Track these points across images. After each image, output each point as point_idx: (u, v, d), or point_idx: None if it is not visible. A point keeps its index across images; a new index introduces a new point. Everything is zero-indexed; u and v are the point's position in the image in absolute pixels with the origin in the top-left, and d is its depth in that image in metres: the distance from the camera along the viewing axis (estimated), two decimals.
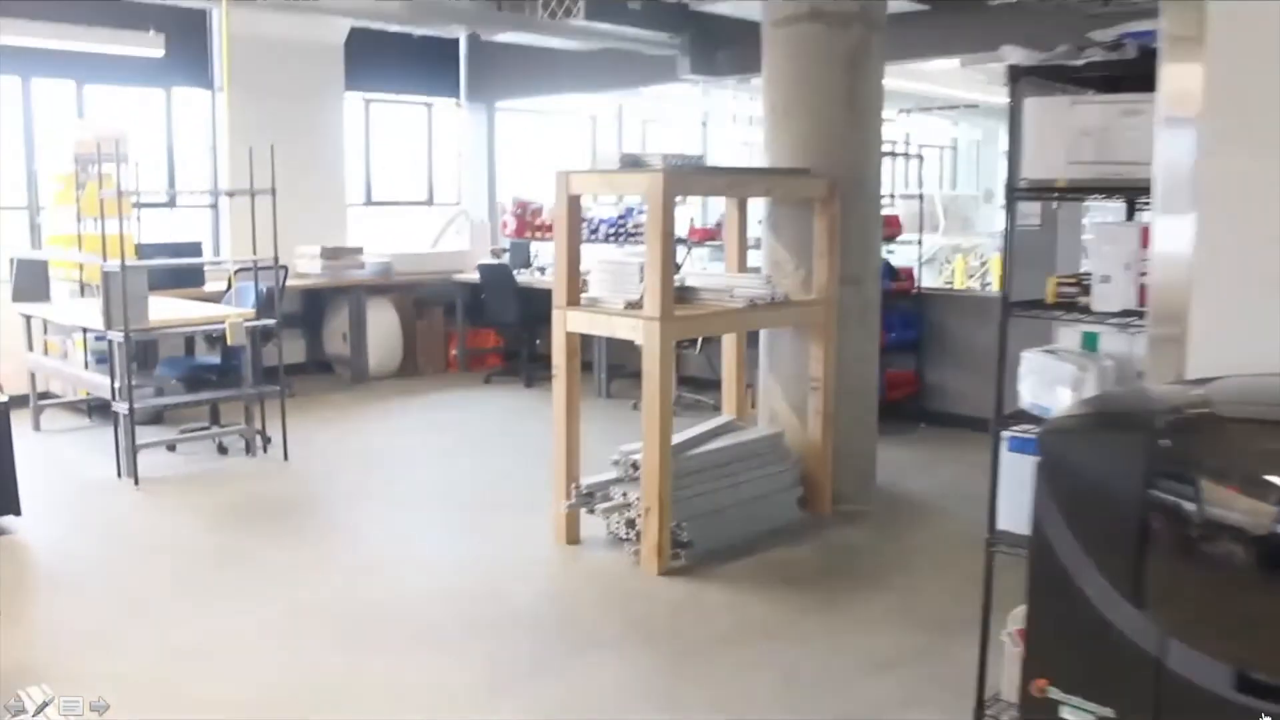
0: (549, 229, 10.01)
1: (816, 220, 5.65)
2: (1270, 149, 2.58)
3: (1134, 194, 3.31)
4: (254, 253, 6.84)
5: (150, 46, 8.29)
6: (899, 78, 9.60)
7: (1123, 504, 2.06)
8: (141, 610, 4.55)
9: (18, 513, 5.44)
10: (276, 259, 6.89)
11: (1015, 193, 3.31)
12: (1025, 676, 2.32)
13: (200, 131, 9.50)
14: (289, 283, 8.28)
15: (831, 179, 5.60)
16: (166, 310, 6.90)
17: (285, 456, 6.85)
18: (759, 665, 4.08)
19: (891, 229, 7.85)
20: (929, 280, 9.96)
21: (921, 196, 8.68)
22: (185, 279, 8.18)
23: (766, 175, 5.64)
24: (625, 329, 4.96)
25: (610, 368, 9.03)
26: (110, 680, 3.65)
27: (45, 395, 7.83)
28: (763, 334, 6.02)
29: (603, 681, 3.96)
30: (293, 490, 6.42)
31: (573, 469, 5.26)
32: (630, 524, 5.04)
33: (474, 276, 9.89)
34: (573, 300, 5.15)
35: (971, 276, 13.59)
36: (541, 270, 9.86)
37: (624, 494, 5.10)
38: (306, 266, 9.30)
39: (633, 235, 9.75)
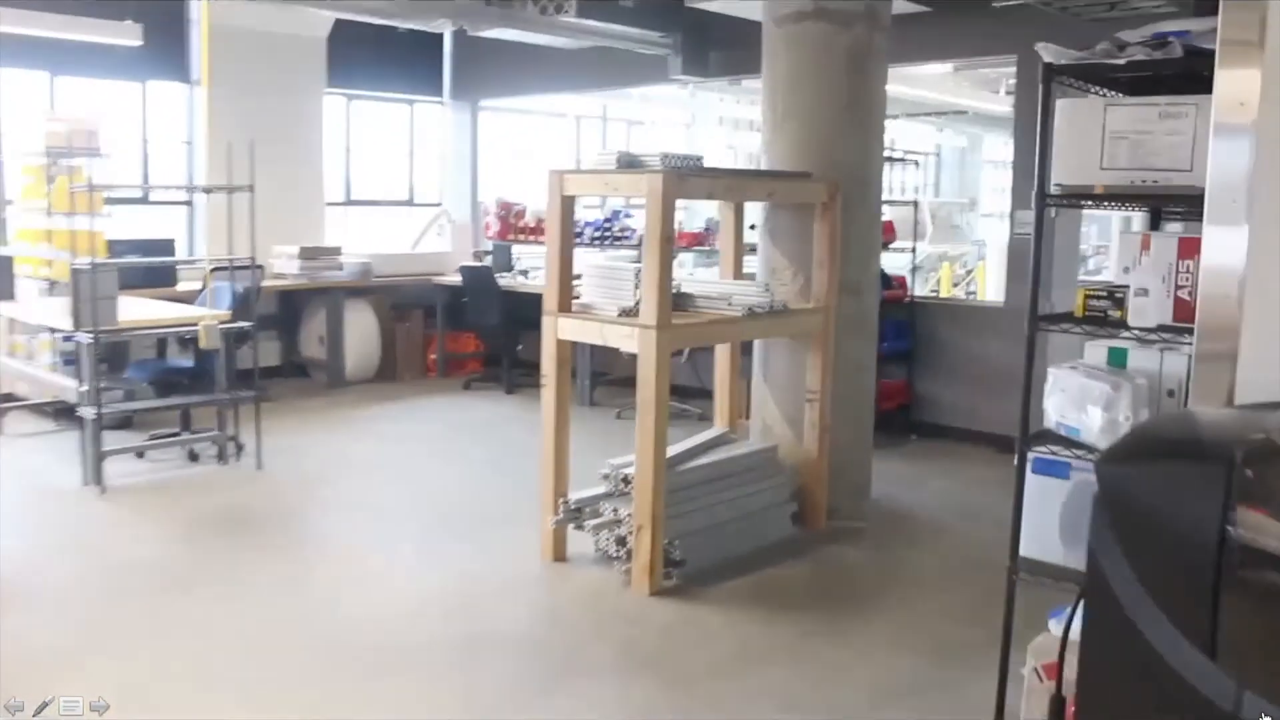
0: (533, 231, 9.81)
1: (817, 226, 5.45)
2: None
3: (1178, 202, 3.10)
4: (230, 252, 6.60)
5: (127, 36, 8.02)
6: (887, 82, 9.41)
7: (1195, 542, 1.85)
8: (100, 630, 4.28)
9: None
10: (254, 258, 6.65)
11: (1046, 199, 3.11)
12: None
13: (177, 126, 9.23)
14: (264, 283, 8.03)
15: (833, 183, 5.40)
16: (137, 311, 6.63)
17: (259, 465, 6.59)
18: (759, 695, 3.87)
19: (887, 236, 7.65)
20: (917, 288, 9.79)
21: (916, 203, 8.49)
22: (158, 278, 7.91)
23: (768, 178, 5.44)
24: (619, 338, 4.74)
25: (593, 374, 8.81)
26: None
27: (9, 398, 7.54)
28: (756, 343, 5.82)
29: (592, 712, 3.74)
30: (266, 501, 6.16)
31: (561, 483, 5.03)
32: (621, 541, 4.82)
33: (455, 279, 9.65)
34: (564, 307, 4.93)
35: (957, 285, 13.44)
36: (525, 274, 9.64)
37: (614, 510, 4.88)
38: (283, 267, 9.04)
39: (619, 239, 9.55)
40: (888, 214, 8.25)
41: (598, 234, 9.40)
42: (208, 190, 7.10)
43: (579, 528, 5.01)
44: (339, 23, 9.41)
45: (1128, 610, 1.96)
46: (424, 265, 10.03)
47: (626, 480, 4.92)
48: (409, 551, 5.31)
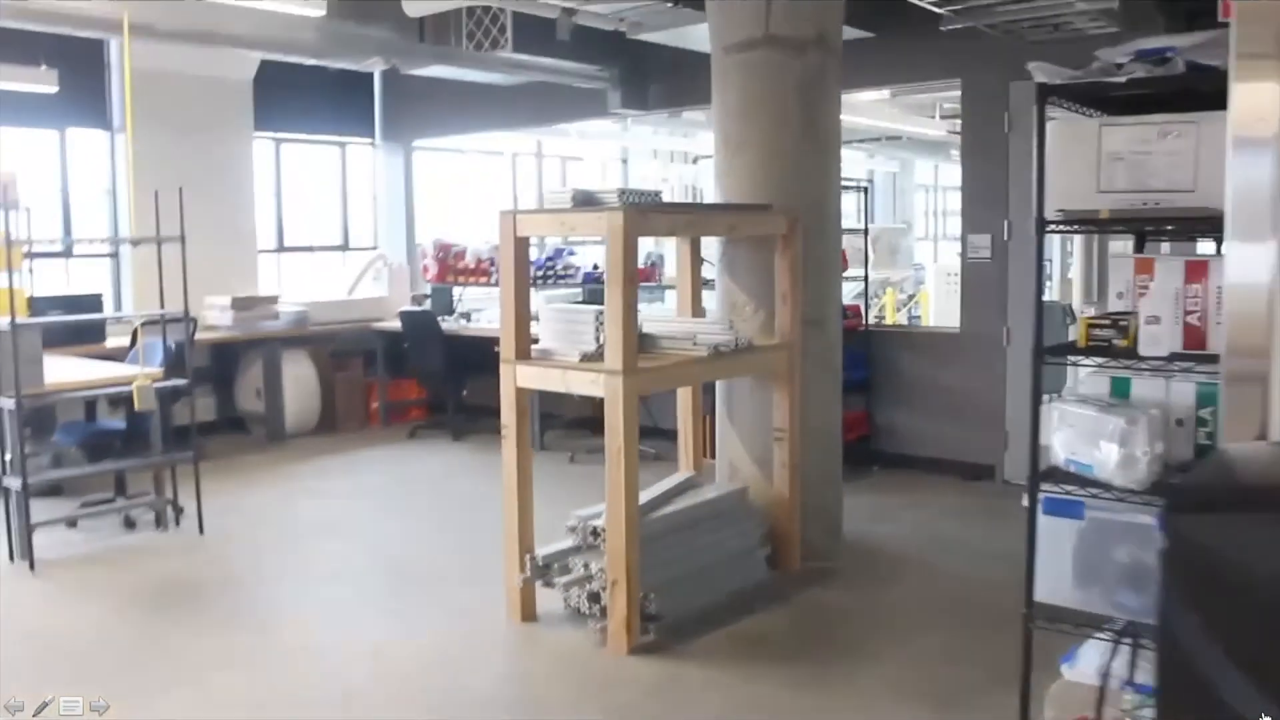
0: (473, 273, 9.57)
1: (778, 259, 5.28)
2: None
3: (1183, 224, 2.96)
4: (160, 305, 6.28)
5: (42, 82, 7.67)
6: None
7: None
8: None
9: None
10: (187, 311, 6.34)
11: (1045, 225, 2.95)
12: None
13: (98, 175, 8.87)
14: (197, 336, 7.69)
15: (793, 214, 5.24)
16: (65, 371, 6.26)
17: (200, 529, 6.25)
18: None
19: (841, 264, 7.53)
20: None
21: (867, 230, 8.38)
22: (84, 335, 7.54)
23: (729, 211, 5.26)
24: (583, 384, 4.52)
25: (543, 416, 8.56)
26: None
27: None
28: (720, 381, 5.62)
29: None
30: (211, 569, 5.82)
31: (526, 538, 4.78)
32: (594, 597, 4.58)
33: (394, 324, 9.37)
34: (522, 353, 4.70)
35: (900, 309, 13.41)
36: (467, 316, 9.38)
37: (585, 565, 4.64)
38: (216, 318, 8.70)
39: (562, 278, 9.34)
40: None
41: (539, 273, 9.17)
42: (136, 242, 6.75)
43: (548, 585, 4.76)
44: (265, 64, 9.14)
45: (1205, 673, 1.78)
46: (362, 311, 9.72)
47: (595, 533, 4.69)
48: (367, 619, 5.01)
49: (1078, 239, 10.42)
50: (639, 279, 8.59)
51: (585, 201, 4.55)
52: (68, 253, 8.75)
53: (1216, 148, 2.68)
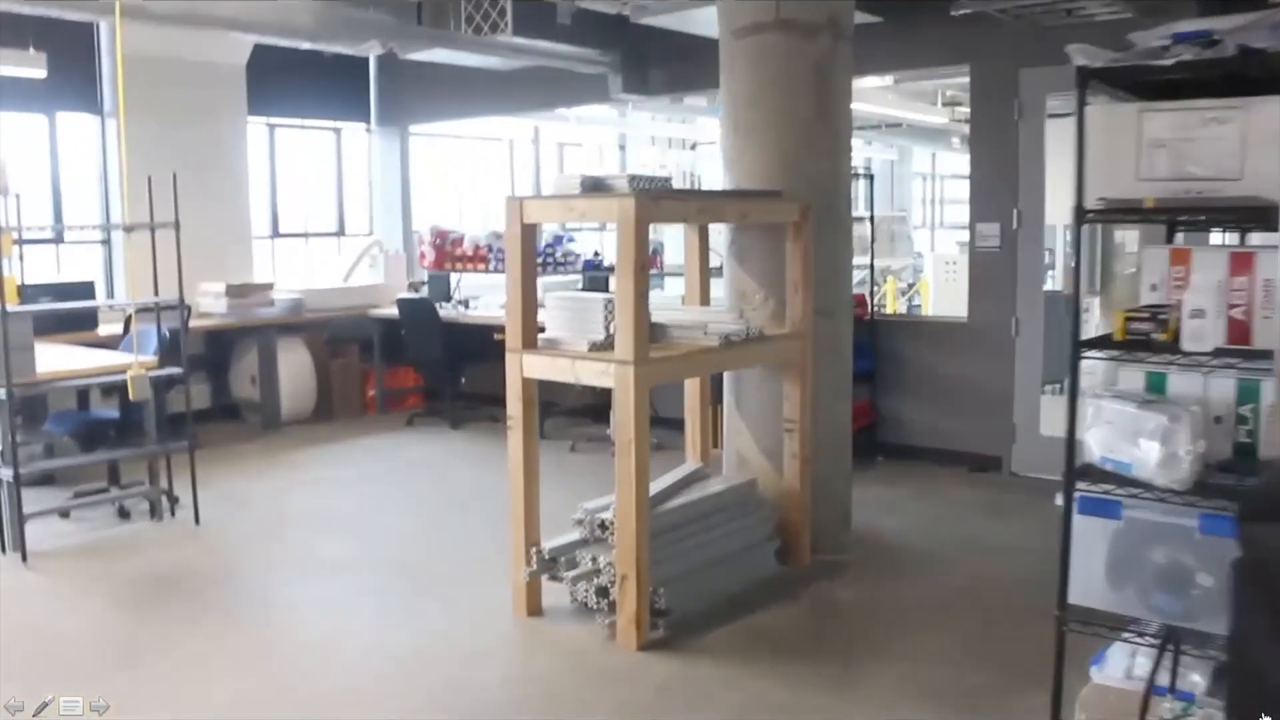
0: (471, 259, 9.44)
1: (789, 246, 5.16)
2: None
3: (1230, 214, 2.85)
4: (155, 292, 6.14)
5: (30, 66, 7.51)
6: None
7: None
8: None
9: None
10: (182, 299, 6.21)
11: (1085, 215, 2.84)
12: None
13: (89, 160, 8.72)
14: (192, 323, 7.56)
15: (805, 201, 5.12)
16: (56, 360, 6.13)
17: (196, 520, 6.13)
18: None
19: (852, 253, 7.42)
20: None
21: (872, 218, 8.27)
22: (76, 323, 7.40)
23: (742, 198, 5.14)
24: (592, 374, 4.40)
25: (543, 404, 8.42)
26: None
27: None
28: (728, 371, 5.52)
29: None
30: (206, 560, 5.70)
31: (532, 531, 4.67)
32: (602, 592, 4.47)
33: (390, 312, 9.24)
34: (529, 343, 4.58)
35: (900, 298, 13.31)
36: (465, 304, 9.25)
37: (593, 559, 4.53)
38: (210, 305, 8.57)
39: (561, 265, 9.22)
40: None
41: (538, 260, 9.01)
42: (129, 228, 6.61)
43: (555, 579, 4.65)
44: (258, 48, 8.98)
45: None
46: (358, 299, 9.58)
47: (603, 525, 4.59)
48: (368, 612, 4.91)
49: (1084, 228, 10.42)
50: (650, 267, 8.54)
51: (595, 187, 4.43)
52: (59, 239, 8.61)
53: (1266, 134, 2.57)
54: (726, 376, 5.57)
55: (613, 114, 12.30)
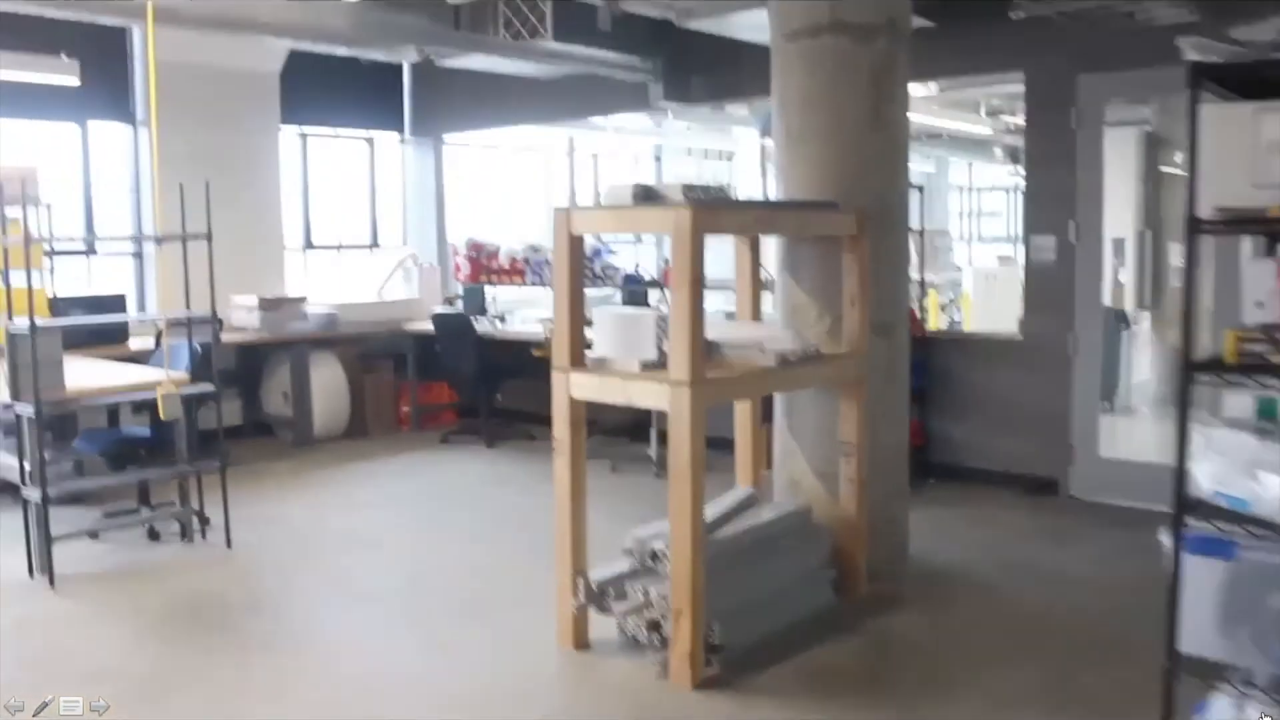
0: (508, 273, 9.27)
1: (845, 260, 4.93)
2: None
3: None
4: (186, 305, 5.96)
5: (64, 73, 7.37)
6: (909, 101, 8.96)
7: None
8: None
9: None
10: (214, 312, 6.03)
11: (1199, 226, 2.59)
12: None
13: (122, 170, 8.58)
14: (223, 337, 7.39)
15: (863, 213, 4.89)
16: (86, 375, 5.95)
17: (228, 543, 5.93)
18: None
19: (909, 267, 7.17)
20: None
21: (922, 232, 8.01)
22: (107, 336, 7.24)
23: (798, 210, 4.91)
24: (645, 395, 4.18)
25: None
26: None
27: None
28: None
29: None
30: (238, 586, 5.50)
31: (579, 560, 4.44)
32: (654, 626, 4.24)
33: (425, 326, 9.05)
34: (576, 361, 4.36)
35: (942, 311, 13.01)
36: (501, 318, 9.05)
37: (644, 591, 4.30)
38: (243, 319, 8.41)
39: (600, 279, 9.00)
40: None
41: None
42: (160, 240, 6.45)
43: (603, 610, 4.42)
44: (292, 56, 8.84)
45: None
46: (392, 313, 9.40)
47: (655, 556, 4.35)
48: (407, 644, 4.69)
49: (1130, 239, 10.12)
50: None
51: (647, 197, 4.21)
52: (90, 251, 8.47)
53: None
54: (778, 396, 5.33)
55: (649, 124, 12.10)
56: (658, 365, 4.21)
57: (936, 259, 13.38)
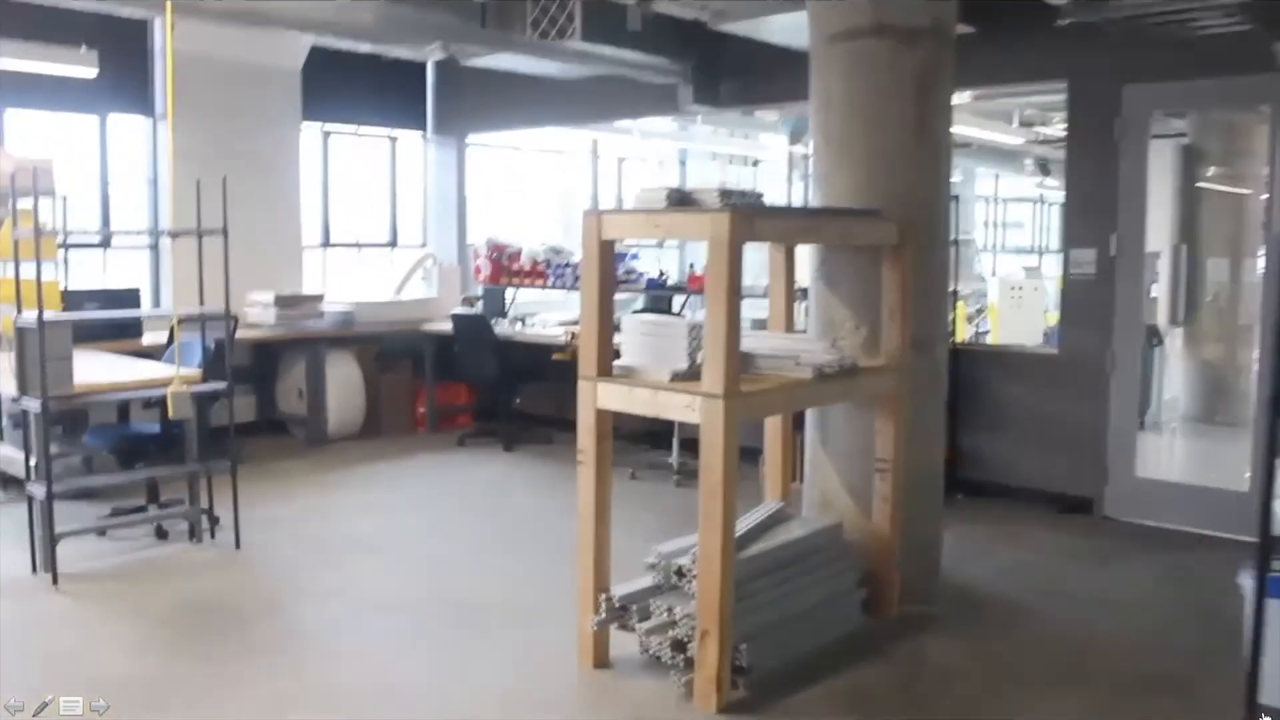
0: (528, 275, 9.11)
1: (886, 271, 4.75)
2: None
3: None
4: (200, 301, 5.82)
5: (82, 64, 7.23)
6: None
7: None
8: None
9: None
10: (228, 309, 5.87)
11: None
12: None
13: (139, 164, 8.45)
14: (238, 334, 7.24)
15: (905, 223, 4.70)
16: (96, 371, 5.81)
17: (237, 544, 5.78)
18: None
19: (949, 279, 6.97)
20: None
21: (957, 242, 7.80)
22: (121, 330, 7.09)
23: (839, 218, 4.72)
24: (676, 407, 3.99)
25: None
26: None
27: None
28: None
29: None
30: (248, 591, 5.34)
31: (601, 577, 4.26)
32: (678, 645, 4.06)
33: (443, 327, 8.89)
34: (604, 370, 4.18)
35: (969, 323, 12.81)
36: (521, 321, 8.89)
37: (668, 609, 4.12)
38: (258, 316, 8.26)
39: (622, 283, 8.81)
40: None
41: None
42: (174, 235, 6.30)
43: (625, 628, 4.24)
44: (314, 53, 8.70)
45: None
46: (410, 312, 9.24)
47: (680, 572, 4.17)
48: (418, 657, 4.51)
49: (1165, 253, 9.90)
50: (703, 287, 8.11)
51: (682, 201, 4.03)
52: (105, 244, 8.33)
53: None
54: (810, 410, 5.14)
55: (673, 128, 11.94)
56: (689, 376, 4.03)
57: (961, 270, 13.21)
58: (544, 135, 11.30)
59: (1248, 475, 6.11)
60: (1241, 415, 7.73)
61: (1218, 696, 3.77)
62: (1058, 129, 12.41)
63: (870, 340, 4.86)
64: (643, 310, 8.13)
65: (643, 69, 7.86)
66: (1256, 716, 2.50)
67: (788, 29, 6.67)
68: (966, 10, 6.20)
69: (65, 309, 6.60)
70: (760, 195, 4.31)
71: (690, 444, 7.60)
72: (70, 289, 7.17)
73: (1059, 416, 6.88)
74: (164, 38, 7.74)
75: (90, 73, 7.42)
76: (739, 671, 4.04)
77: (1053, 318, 9.99)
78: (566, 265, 8.94)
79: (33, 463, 5.43)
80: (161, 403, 5.65)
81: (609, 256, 4.19)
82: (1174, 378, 9.56)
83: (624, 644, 4.31)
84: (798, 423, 5.35)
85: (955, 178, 17.36)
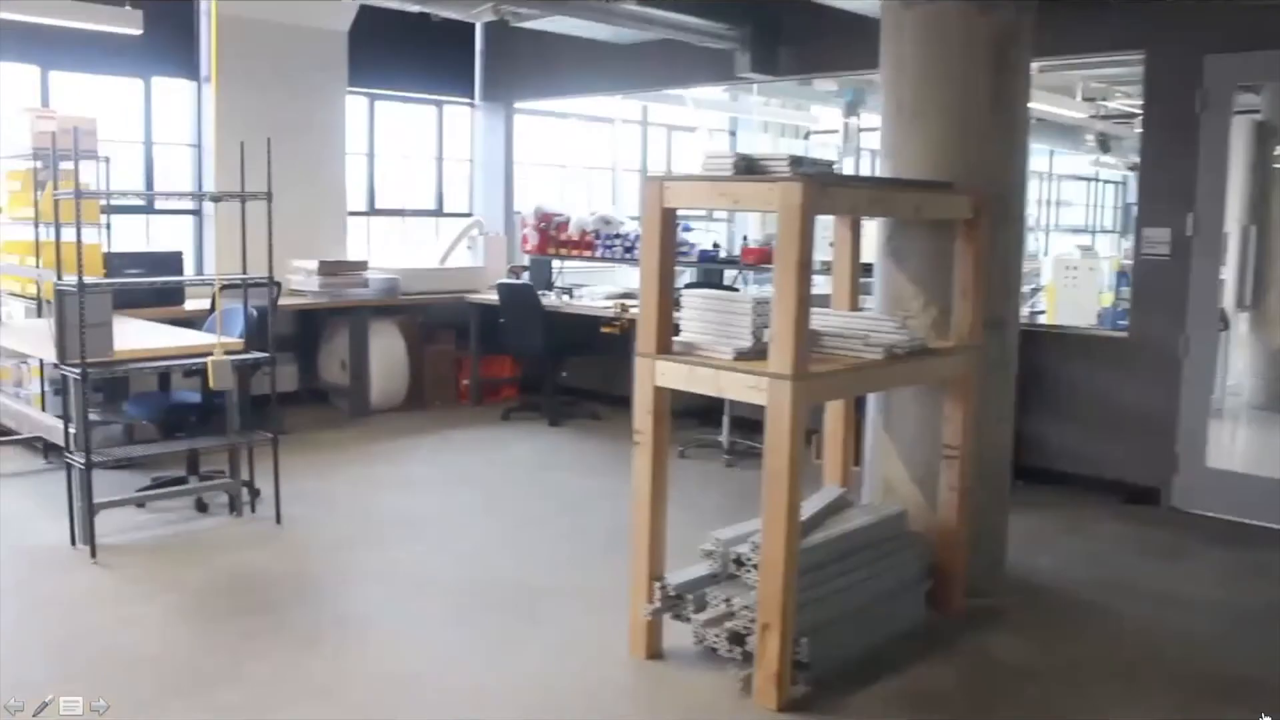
0: (576, 245, 8.92)
1: (959, 247, 4.50)
2: None
3: None
4: (243, 267, 5.67)
5: (126, 23, 7.07)
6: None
7: None
8: None
9: None
10: (271, 276, 5.72)
11: None
12: None
13: (183, 127, 8.31)
14: (281, 302, 7.10)
15: (980, 196, 4.46)
16: (137, 337, 5.68)
17: (278, 518, 5.64)
18: None
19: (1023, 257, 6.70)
20: None
21: (1023, 218, 7.51)
22: (163, 296, 6.96)
23: (913, 190, 4.47)
24: (740, 388, 3.77)
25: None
26: None
27: None
28: None
29: None
30: (288, 567, 5.19)
31: (656, 565, 4.07)
32: (735, 638, 3.86)
33: (489, 297, 8.72)
34: (663, 347, 3.97)
35: (1025, 303, 12.49)
36: (567, 292, 8.70)
37: (726, 600, 3.92)
38: (301, 283, 8.12)
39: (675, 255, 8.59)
40: None
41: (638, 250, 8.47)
42: (217, 198, 6.15)
43: (680, 618, 4.05)
44: (361, 15, 8.52)
45: None
46: (455, 282, 9.08)
47: (739, 561, 3.97)
48: (460, 642, 4.33)
49: (1234, 234, 9.55)
50: (761, 260, 7.87)
51: (749, 169, 3.81)
52: (149, 207, 8.21)
53: None
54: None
55: (724, 97, 11.69)
56: (754, 355, 3.82)
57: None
58: (592, 104, 11.08)
59: None
60: None
61: None
62: (1122, 103, 12.06)
63: (939, 319, 4.63)
64: (694, 284, 7.91)
65: (699, 34, 7.61)
66: None
67: None
68: None
69: (107, 273, 6.48)
70: (831, 164, 4.08)
71: (740, 422, 7.41)
72: (112, 251, 7.03)
73: (1125, 402, 6.61)
74: (209, 0, 7.60)
75: (135, 30, 7.26)
76: (798, 667, 3.84)
77: (1107, 298, 9.69)
78: (616, 236, 8.73)
79: (72, 431, 5.30)
80: (203, 371, 5.50)
81: (671, 226, 3.98)
82: (1238, 364, 9.24)
83: (677, 633, 4.12)
84: (858, 403, 5.13)
85: None
